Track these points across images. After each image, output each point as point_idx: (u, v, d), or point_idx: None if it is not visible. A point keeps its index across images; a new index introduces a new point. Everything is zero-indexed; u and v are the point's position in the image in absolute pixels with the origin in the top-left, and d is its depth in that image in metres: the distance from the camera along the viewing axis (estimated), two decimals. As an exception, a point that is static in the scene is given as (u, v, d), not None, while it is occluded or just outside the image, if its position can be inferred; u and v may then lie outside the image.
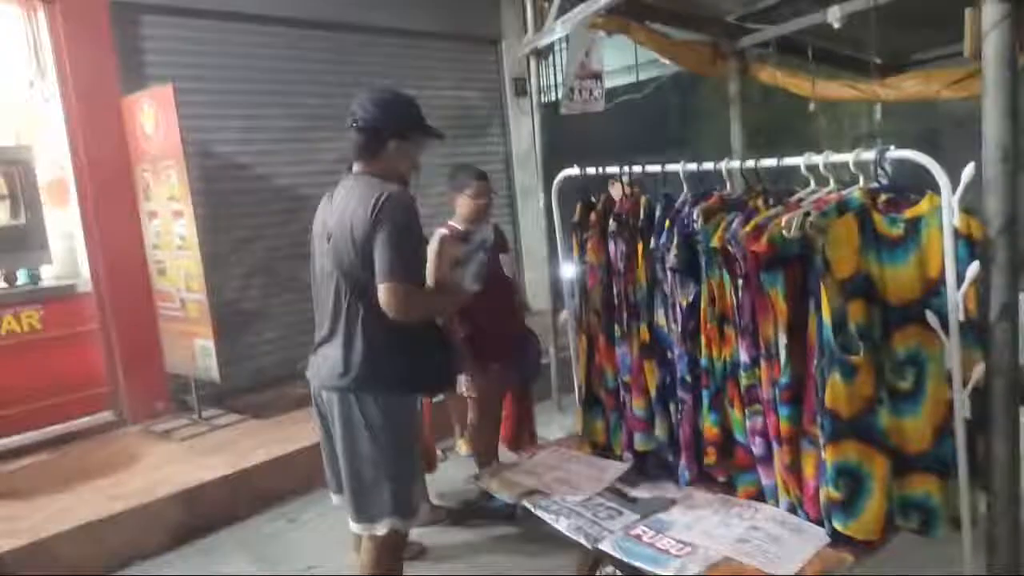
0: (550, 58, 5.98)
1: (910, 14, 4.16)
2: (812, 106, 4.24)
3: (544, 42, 4.23)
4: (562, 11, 4.01)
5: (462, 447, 4.57)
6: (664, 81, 7.02)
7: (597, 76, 5.35)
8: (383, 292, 2.22)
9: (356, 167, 2.43)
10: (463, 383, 3.51)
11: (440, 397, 3.94)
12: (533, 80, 4.45)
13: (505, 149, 7.07)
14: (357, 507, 2.39)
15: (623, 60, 8.45)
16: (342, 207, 2.34)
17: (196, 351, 4.70)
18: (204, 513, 3.91)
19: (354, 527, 2.43)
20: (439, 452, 4.43)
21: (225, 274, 5.21)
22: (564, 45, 5.22)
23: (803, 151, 2.20)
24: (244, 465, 4.20)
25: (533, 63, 4.38)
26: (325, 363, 2.41)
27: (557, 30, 3.90)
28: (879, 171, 1.98)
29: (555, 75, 6.16)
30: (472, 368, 3.46)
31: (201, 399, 4.92)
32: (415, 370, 2.38)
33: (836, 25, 3.87)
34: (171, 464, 4.24)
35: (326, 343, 2.42)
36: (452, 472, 4.19)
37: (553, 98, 5.78)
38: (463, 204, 3.53)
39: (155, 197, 4.71)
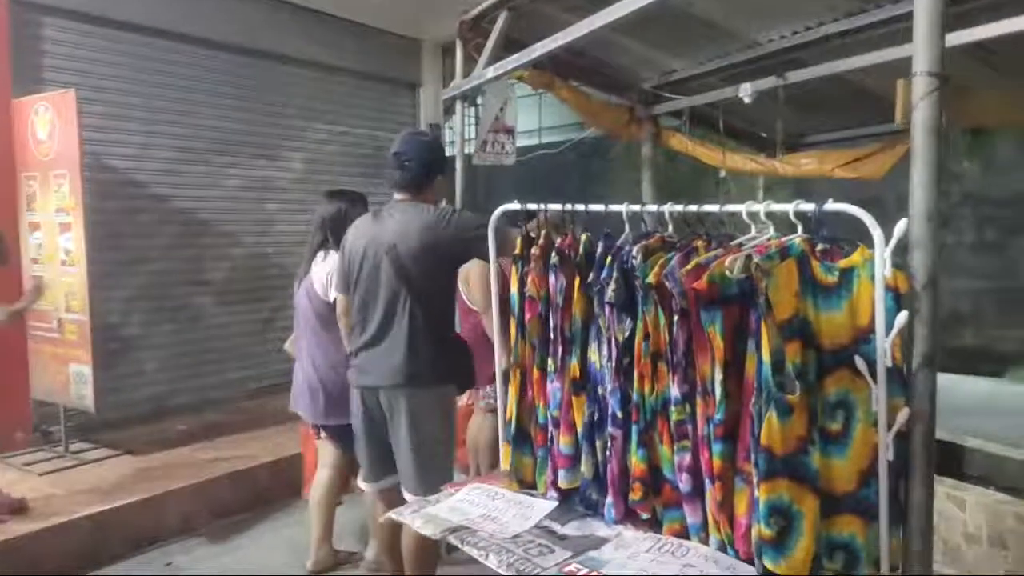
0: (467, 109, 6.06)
1: (808, 99, 4.53)
2: (723, 174, 4.49)
3: (471, 86, 4.28)
4: (492, 60, 4.08)
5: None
6: (570, 144, 7.29)
7: (510, 131, 5.47)
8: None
9: (400, 196, 2.86)
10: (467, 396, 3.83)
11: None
12: (458, 124, 4.48)
13: (417, 193, 7.06)
14: (418, 479, 2.77)
15: (529, 123, 8.73)
16: (400, 226, 2.75)
17: (70, 377, 4.31)
18: (67, 555, 3.53)
19: (410, 497, 2.71)
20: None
21: (110, 296, 4.86)
22: (481, 97, 5.31)
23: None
24: (115, 503, 3.86)
25: (459, 108, 4.42)
26: (386, 362, 2.74)
27: (488, 75, 3.96)
28: (815, 223, 2.10)
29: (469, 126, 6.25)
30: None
31: (70, 431, 4.49)
32: (462, 367, 2.93)
33: (747, 100, 4.14)
34: (29, 501, 3.82)
35: (373, 346, 2.78)
36: (351, 515, 4.00)
37: (466, 149, 5.85)
38: None
39: (40, 208, 4.35)
